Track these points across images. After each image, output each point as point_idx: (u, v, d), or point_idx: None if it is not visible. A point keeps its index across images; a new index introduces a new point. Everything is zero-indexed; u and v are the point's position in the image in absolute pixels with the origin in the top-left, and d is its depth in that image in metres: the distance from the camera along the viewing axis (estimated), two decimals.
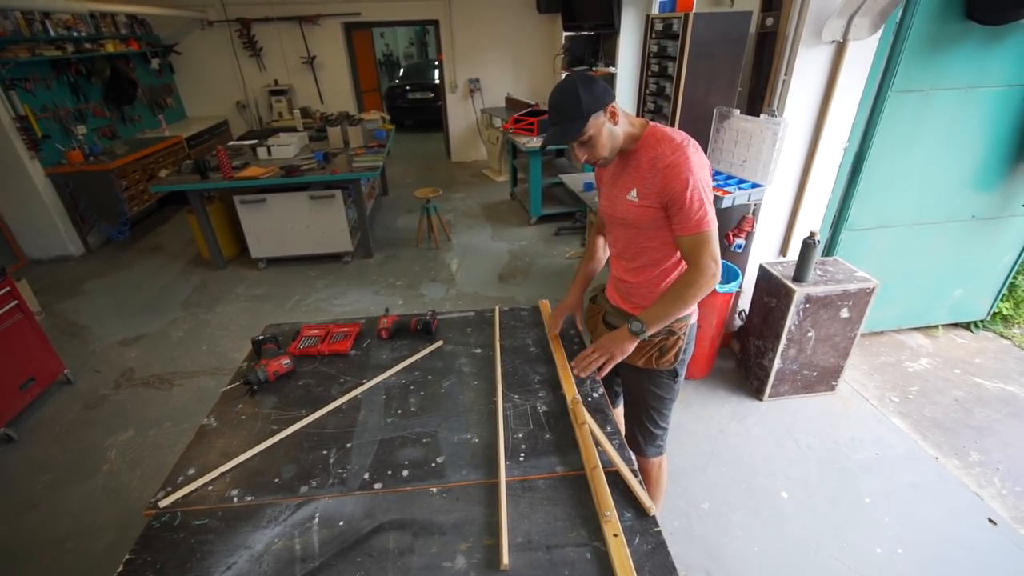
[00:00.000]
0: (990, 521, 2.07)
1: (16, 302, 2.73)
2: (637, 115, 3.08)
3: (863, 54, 2.33)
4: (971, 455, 2.38)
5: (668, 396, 1.62)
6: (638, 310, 1.53)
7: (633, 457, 1.31)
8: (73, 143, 4.76)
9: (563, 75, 6.34)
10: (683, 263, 1.44)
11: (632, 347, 1.43)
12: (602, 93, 1.27)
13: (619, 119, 1.32)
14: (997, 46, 2.39)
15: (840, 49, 2.30)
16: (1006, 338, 3.20)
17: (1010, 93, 2.52)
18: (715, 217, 1.34)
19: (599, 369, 1.47)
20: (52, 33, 4.64)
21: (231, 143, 5.38)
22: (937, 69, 2.43)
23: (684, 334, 1.53)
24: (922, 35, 2.34)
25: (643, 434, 1.70)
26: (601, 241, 1.74)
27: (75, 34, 4.91)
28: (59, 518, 2.22)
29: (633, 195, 1.38)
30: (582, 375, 1.47)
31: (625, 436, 1.74)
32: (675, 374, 1.58)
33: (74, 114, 4.95)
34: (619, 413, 2.01)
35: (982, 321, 3.28)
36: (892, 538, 2.00)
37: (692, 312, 1.54)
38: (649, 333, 1.40)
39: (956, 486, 2.23)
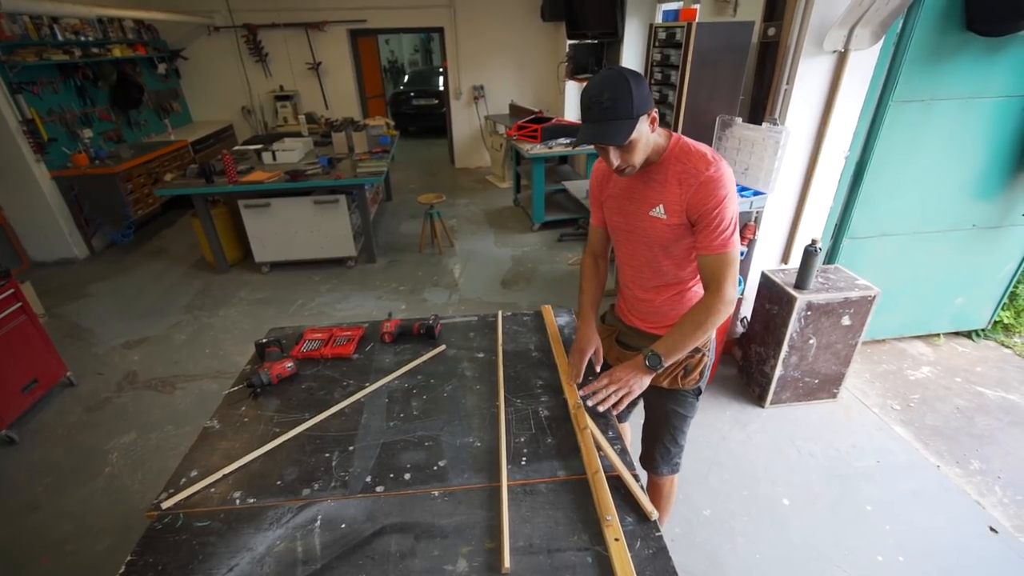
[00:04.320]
0: (991, 530, 2.06)
1: (20, 304, 2.75)
2: None
3: (864, 64, 2.35)
4: (972, 463, 2.38)
5: (690, 415, 1.58)
6: (657, 329, 1.48)
7: (636, 463, 1.30)
8: (79, 146, 4.80)
9: (566, 82, 6.44)
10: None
11: (648, 380, 1.34)
12: (648, 94, 1.17)
13: (656, 127, 1.23)
14: (997, 57, 2.41)
15: (841, 59, 2.32)
16: (1007, 347, 3.20)
17: (1011, 104, 2.54)
18: (739, 239, 1.28)
19: (615, 404, 1.34)
20: (60, 37, 4.68)
21: (236, 148, 5.41)
22: (938, 79, 2.45)
23: (708, 351, 1.49)
24: (922, 46, 2.36)
25: (661, 453, 1.64)
26: (598, 264, 1.62)
27: (83, 39, 4.96)
28: (60, 520, 2.22)
29: (659, 211, 1.29)
30: (600, 409, 1.33)
31: (641, 456, 1.71)
32: (699, 392, 1.54)
33: (80, 118, 4.99)
34: (624, 427, 2.01)
35: (983, 330, 3.28)
36: (893, 546, 2.00)
37: None
38: (666, 365, 1.32)
39: (957, 494, 2.22)
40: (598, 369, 1.53)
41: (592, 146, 1.23)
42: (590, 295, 1.59)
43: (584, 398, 1.38)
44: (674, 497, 1.81)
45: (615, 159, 1.22)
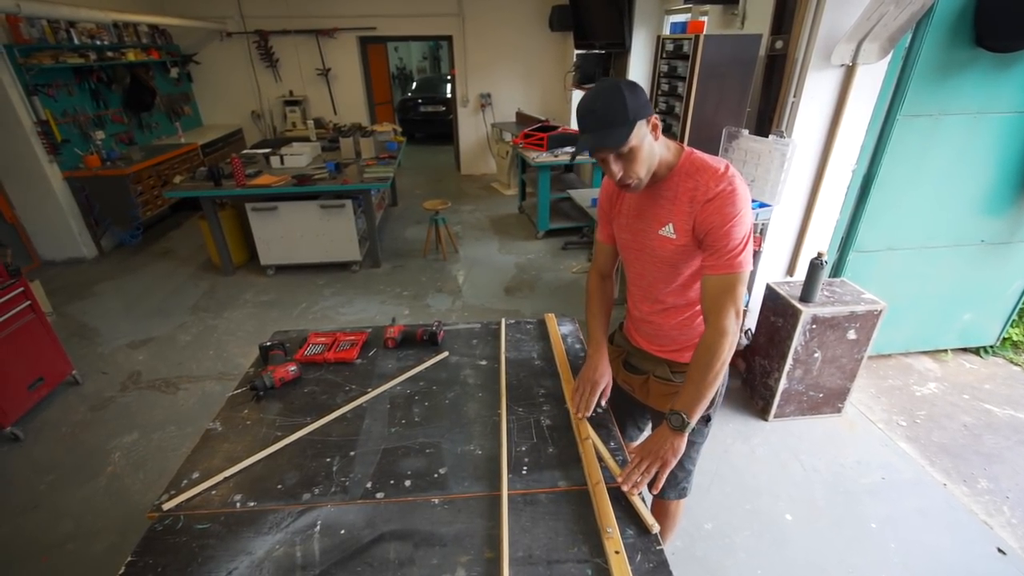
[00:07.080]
0: (999, 551, 2.03)
1: (29, 302, 2.77)
2: None
3: (872, 78, 2.35)
4: (980, 482, 2.35)
5: (699, 440, 1.52)
6: (665, 353, 1.44)
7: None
8: (91, 148, 4.86)
9: (573, 91, 6.46)
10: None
11: (682, 442, 1.22)
12: (645, 101, 1.12)
13: (659, 135, 1.18)
14: (1007, 73, 2.40)
15: (849, 73, 2.32)
16: (1016, 364, 3.17)
17: (1020, 119, 2.53)
18: (751, 259, 1.19)
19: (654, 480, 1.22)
20: (76, 41, 4.75)
21: (245, 151, 5.47)
22: (946, 94, 2.44)
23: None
24: (931, 61, 2.36)
25: (668, 479, 1.53)
26: (605, 283, 1.56)
27: (98, 43, 5.03)
28: (60, 519, 2.23)
29: (668, 230, 1.24)
30: (636, 492, 1.17)
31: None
32: (708, 419, 1.47)
33: (93, 120, 5.05)
34: (632, 446, 1.95)
35: (991, 346, 3.24)
36: (898, 565, 1.97)
37: None
38: (693, 421, 1.21)
39: (964, 514, 2.19)
40: (603, 403, 1.44)
41: (592, 158, 1.17)
42: (599, 319, 1.52)
43: (622, 484, 1.20)
44: (679, 518, 1.75)
45: (617, 170, 1.17)
